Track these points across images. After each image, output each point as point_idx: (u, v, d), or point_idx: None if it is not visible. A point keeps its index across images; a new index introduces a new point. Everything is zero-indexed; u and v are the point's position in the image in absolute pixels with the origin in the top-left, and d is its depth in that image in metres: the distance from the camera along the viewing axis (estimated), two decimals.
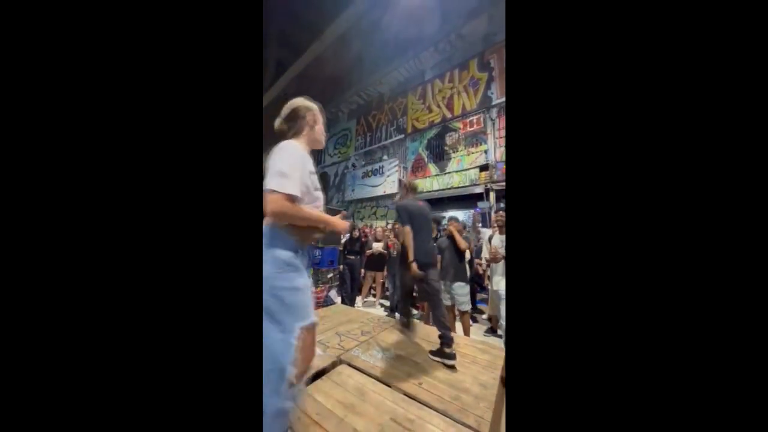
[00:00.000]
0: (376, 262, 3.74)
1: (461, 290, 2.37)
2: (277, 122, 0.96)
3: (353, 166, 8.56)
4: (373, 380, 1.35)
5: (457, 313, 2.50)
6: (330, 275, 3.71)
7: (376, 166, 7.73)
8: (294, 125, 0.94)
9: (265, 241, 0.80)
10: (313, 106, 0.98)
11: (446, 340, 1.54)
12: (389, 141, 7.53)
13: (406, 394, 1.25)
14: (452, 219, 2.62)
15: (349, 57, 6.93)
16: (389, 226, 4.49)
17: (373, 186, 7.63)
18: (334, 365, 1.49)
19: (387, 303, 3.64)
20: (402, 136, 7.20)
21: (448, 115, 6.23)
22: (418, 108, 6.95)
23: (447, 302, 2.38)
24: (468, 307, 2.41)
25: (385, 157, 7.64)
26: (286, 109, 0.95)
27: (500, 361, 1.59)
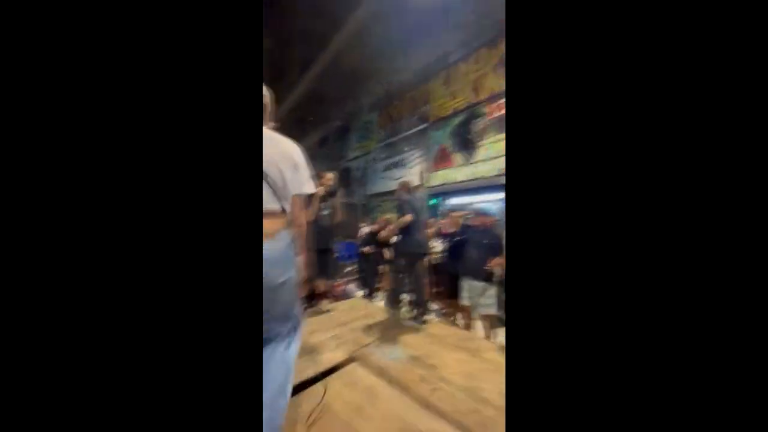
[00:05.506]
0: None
1: (490, 291, 2.18)
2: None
3: (374, 159, 8.49)
4: (385, 383, 1.28)
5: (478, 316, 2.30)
6: (348, 269, 3.71)
7: (398, 158, 7.55)
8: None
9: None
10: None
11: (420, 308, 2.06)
12: (411, 132, 7.29)
13: (419, 402, 1.15)
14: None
15: (369, 47, 6.76)
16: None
17: (395, 179, 7.47)
18: (346, 362, 1.45)
19: (408, 298, 3.54)
20: (424, 125, 6.91)
21: (474, 100, 5.81)
22: (441, 95, 6.60)
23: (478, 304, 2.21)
24: (492, 310, 2.20)
25: (406, 148, 7.43)
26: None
27: None
